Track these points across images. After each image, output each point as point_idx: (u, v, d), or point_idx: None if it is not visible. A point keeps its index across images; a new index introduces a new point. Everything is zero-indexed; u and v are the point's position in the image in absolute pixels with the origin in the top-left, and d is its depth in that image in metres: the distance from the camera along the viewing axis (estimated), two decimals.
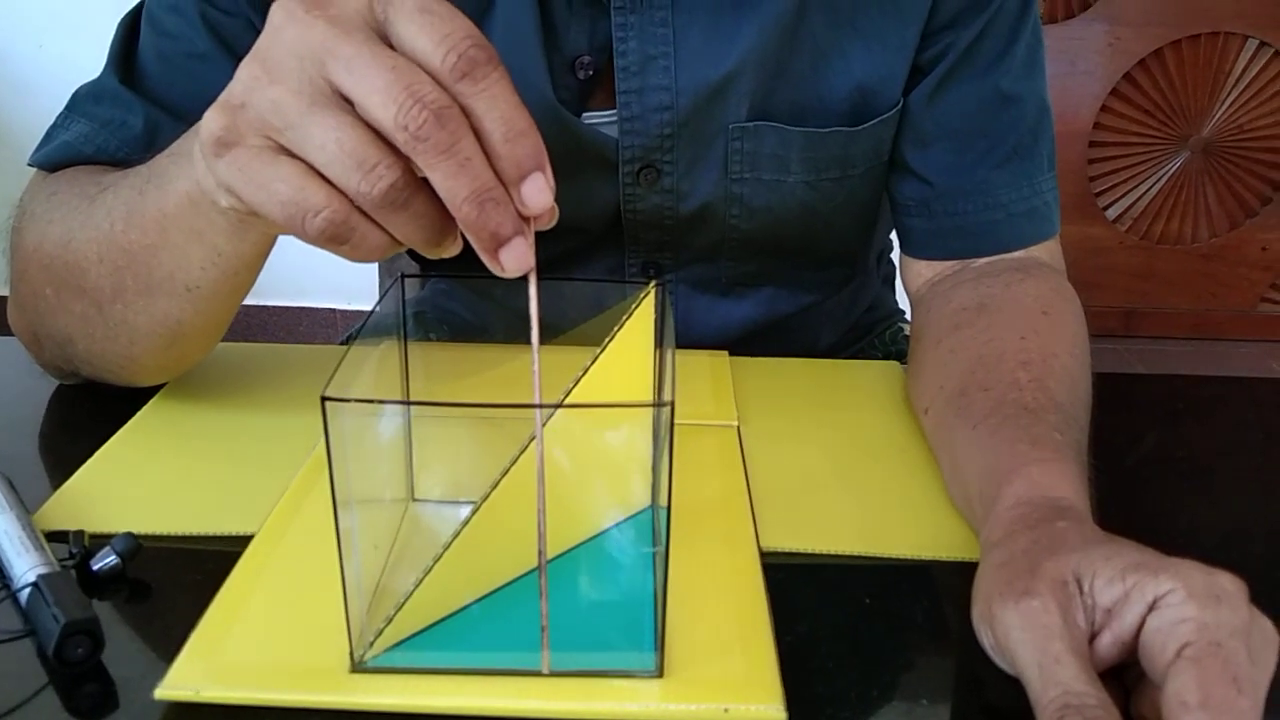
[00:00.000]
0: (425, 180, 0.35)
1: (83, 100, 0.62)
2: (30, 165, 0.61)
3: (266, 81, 0.35)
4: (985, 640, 0.38)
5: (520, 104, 0.35)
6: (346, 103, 0.35)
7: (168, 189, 0.47)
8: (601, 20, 0.61)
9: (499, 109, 0.34)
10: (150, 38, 0.61)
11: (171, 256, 0.48)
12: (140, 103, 0.60)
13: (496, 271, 0.35)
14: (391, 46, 0.35)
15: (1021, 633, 0.35)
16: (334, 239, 0.36)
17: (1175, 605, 0.33)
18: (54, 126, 0.62)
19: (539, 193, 0.35)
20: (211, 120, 0.37)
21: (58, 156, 0.60)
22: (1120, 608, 0.35)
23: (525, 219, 0.35)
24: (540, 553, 0.35)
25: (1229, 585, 0.34)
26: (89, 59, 0.65)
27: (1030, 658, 0.35)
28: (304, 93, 0.35)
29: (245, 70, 0.36)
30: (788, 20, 0.61)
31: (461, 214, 0.34)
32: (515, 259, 0.35)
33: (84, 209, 0.53)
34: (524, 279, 0.35)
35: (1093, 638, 0.35)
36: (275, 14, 0.36)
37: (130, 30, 0.62)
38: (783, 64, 0.62)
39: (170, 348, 0.53)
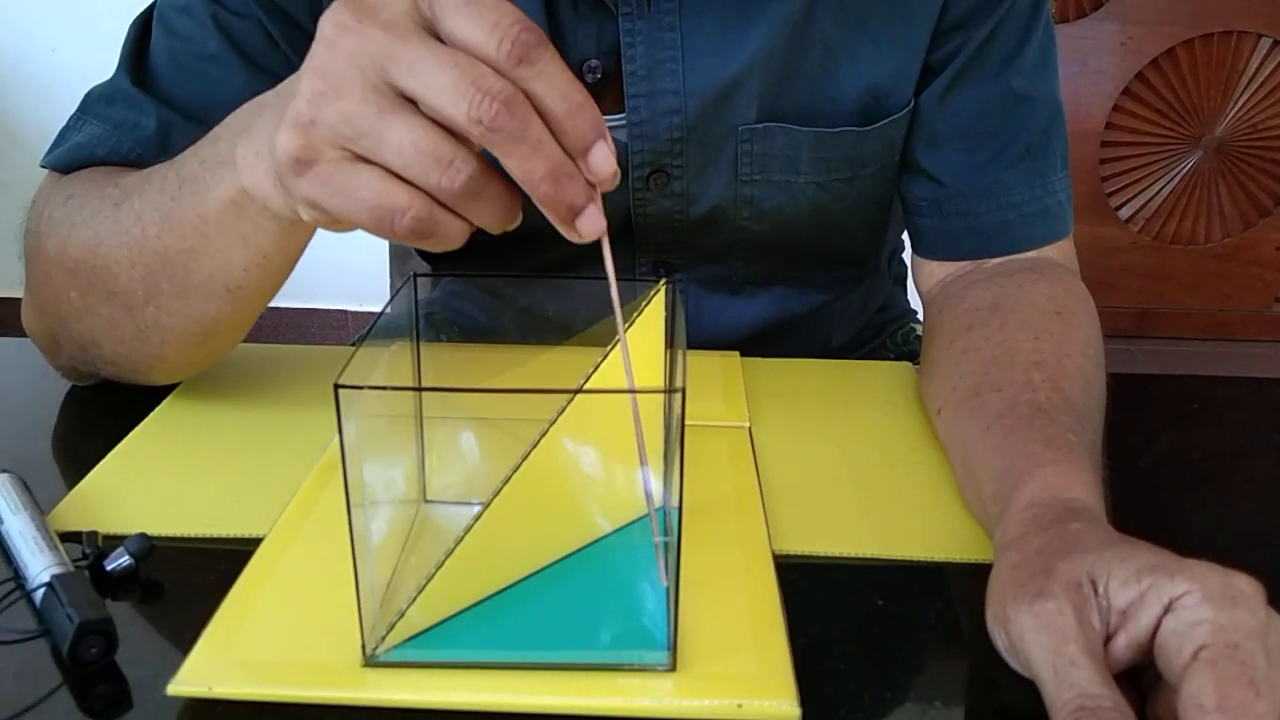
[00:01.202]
0: (490, 163, 0.36)
1: (95, 102, 0.62)
2: (43, 167, 0.62)
3: (333, 96, 0.36)
4: (999, 642, 0.38)
5: (574, 79, 0.36)
6: (411, 103, 0.36)
7: (207, 196, 0.47)
8: (608, 24, 0.61)
9: (558, 87, 0.35)
10: (162, 39, 0.61)
11: (212, 260, 0.48)
12: (153, 104, 0.60)
13: (572, 238, 0.37)
14: (442, 42, 0.35)
15: (1036, 635, 0.35)
16: (420, 235, 0.37)
17: (1191, 607, 0.33)
18: (66, 128, 0.62)
19: (605, 161, 0.36)
20: (285, 141, 0.37)
21: (71, 158, 0.60)
22: (1136, 609, 0.35)
23: (592, 185, 0.36)
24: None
25: (1246, 587, 0.34)
26: (101, 62, 0.65)
27: (1045, 660, 0.34)
28: (371, 100, 0.36)
29: (307, 86, 0.37)
30: (796, 21, 0.61)
31: (540, 192, 0.35)
32: (591, 225, 0.36)
33: (109, 213, 0.53)
34: (527, 276, 0.36)
35: (1108, 640, 0.35)
36: (326, 27, 0.36)
37: (142, 32, 0.62)
38: (791, 65, 0.62)
39: (203, 345, 0.54)
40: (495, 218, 0.37)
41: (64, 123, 0.63)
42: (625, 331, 0.37)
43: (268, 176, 0.42)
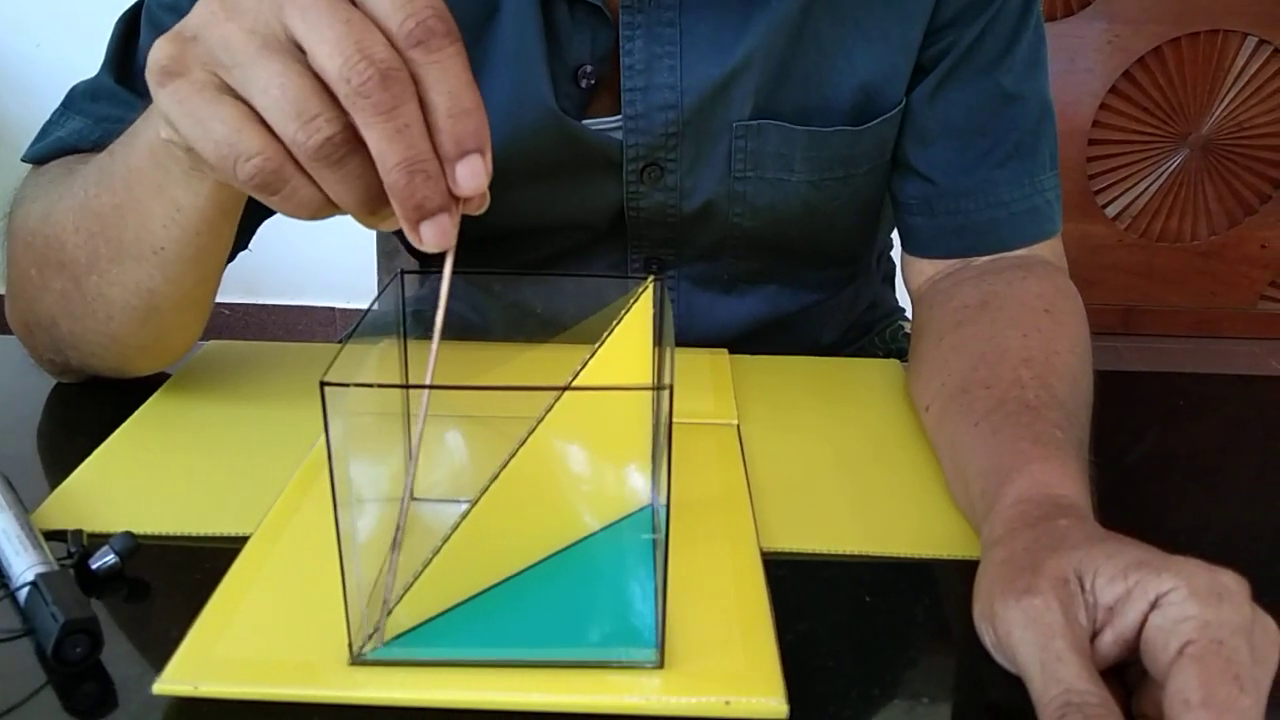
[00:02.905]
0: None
1: (79, 98, 0.62)
2: (24, 160, 0.61)
3: (223, 18, 0.35)
4: (986, 638, 0.38)
5: (472, 83, 0.34)
6: (300, 53, 0.34)
7: (135, 143, 0.46)
8: (603, 31, 0.61)
9: (449, 83, 0.34)
10: (151, 38, 0.61)
11: (136, 216, 0.48)
12: (139, 101, 0.60)
13: (415, 244, 0.35)
14: (355, 5, 0.34)
15: (1023, 630, 0.35)
16: (264, 187, 0.35)
17: (1178, 603, 0.33)
18: (49, 123, 0.62)
19: (474, 175, 0.34)
20: (160, 49, 0.36)
21: (52, 151, 0.60)
22: (1122, 606, 0.35)
23: (456, 198, 0.35)
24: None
25: (1231, 583, 0.34)
26: (86, 59, 0.65)
27: (1032, 655, 0.34)
28: (257, 33, 0.35)
29: (204, 5, 0.36)
30: (794, 19, 0.61)
31: (390, 179, 0.34)
32: (436, 234, 0.35)
33: (64, 181, 0.53)
34: (515, 272, 0.35)
35: (1094, 636, 0.35)
36: None
37: (128, 29, 0.62)
38: (787, 63, 0.62)
39: (146, 323, 0.53)
40: (354, 198, 0.35)
41: (47, 118, 0.62)
42: (614, 329, 0.37)
43: None
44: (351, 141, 0.34)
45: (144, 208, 0.47)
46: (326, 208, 0.36)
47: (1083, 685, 0.33)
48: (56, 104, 0.63)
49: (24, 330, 0.59)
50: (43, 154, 0.60)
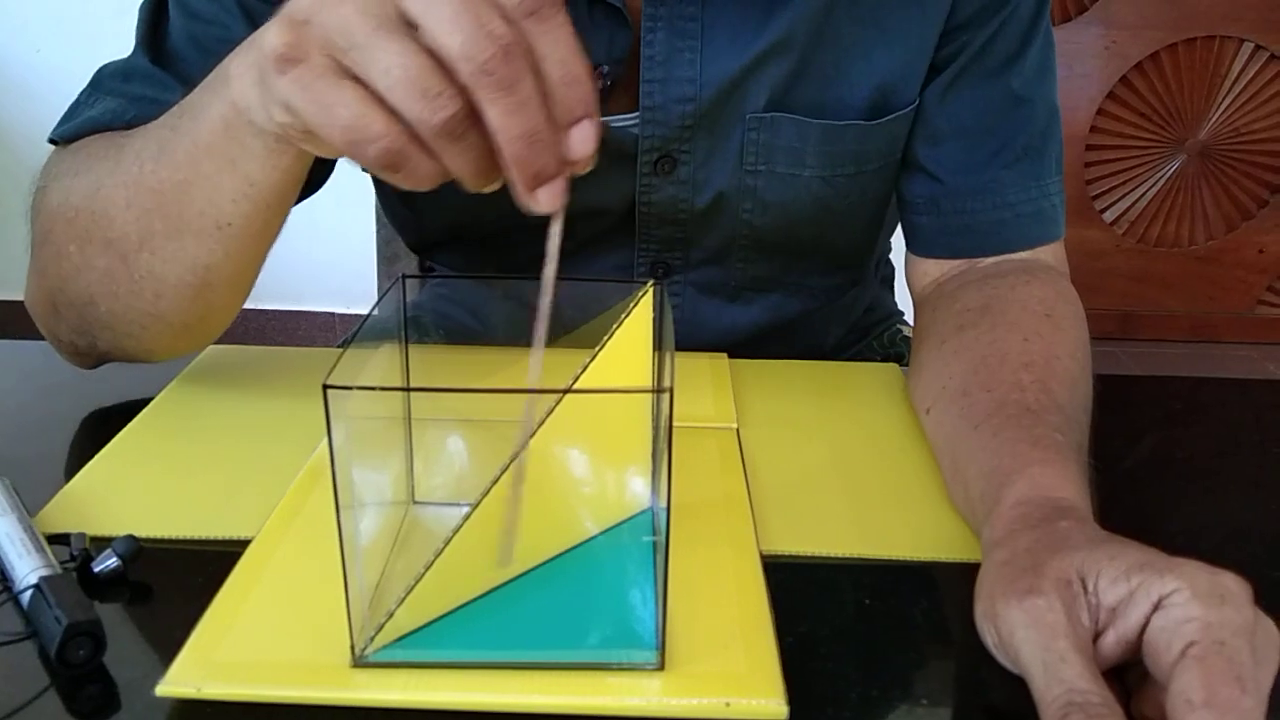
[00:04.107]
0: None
1: (110, 78, 0.61)
2: (51, 140, 0.61)
3: (335, 1, 0.35)
4: (989, 639, 0.38)
5: (580, 50, 0.35)
6: (413, 30, 0.34)
7: (201, 118, 0.46)
8: (620, 32, 0.61)
9: (560, 51, 0.34)
10: (181, 21, 0.60)
11: (203, 191, 0.47)
12: (175, 82, 0.59)
13: (529, 205, 0.36)
14: None
15: (1026, 631, 0.35)
16: (389, 166, 0.36)
17: (1180, 605, 0.34)
18: (77, 104, 0.61)
19: (585, 141, 0.35)
20: (275, 35, 0.36)
21: (84, 131, 0.59)
22: (1125, 607, 0.35)
23: (565, 162, 0.36)
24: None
25: (1233, 585, 0.34)
26: (87, 64, 0.65)
27: (1034, 656, 0.35)
28: (371, 14, 0.35)
29: None
30: (815, 17, 0.61)
31: (513, 150, 0.34)
32: (551, 197, 0.36)
33: (113, 156, 0.52)
34: (517, 276, 0.35)
35: (1096, 637, 0.35)
36: None
37: (155, 13, 0.61)
38: (805, 59, 0.63)
39: (196, 300, 0.53)
40: (470, 169, 0.36)
41: (51, 125, 0.62)
42: (614, 333, 0.37)
43: (254, 84, 0.41)
44: (471, 115, 0.35)
45: (213, 183, 0.47)
46: (441, 178, 0.37)
47: (1085, 685, 0.33)
48: (57, 109, 0.62)
49: (49, 310, 0.57)
50: (72, 133, 0.59)
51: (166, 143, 0.48)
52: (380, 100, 0.35)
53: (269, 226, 0.50)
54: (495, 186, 0.37)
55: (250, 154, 0.45)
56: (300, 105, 0.37)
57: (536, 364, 0.36)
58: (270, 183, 0.46)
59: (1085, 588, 0.36)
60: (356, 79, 0.35)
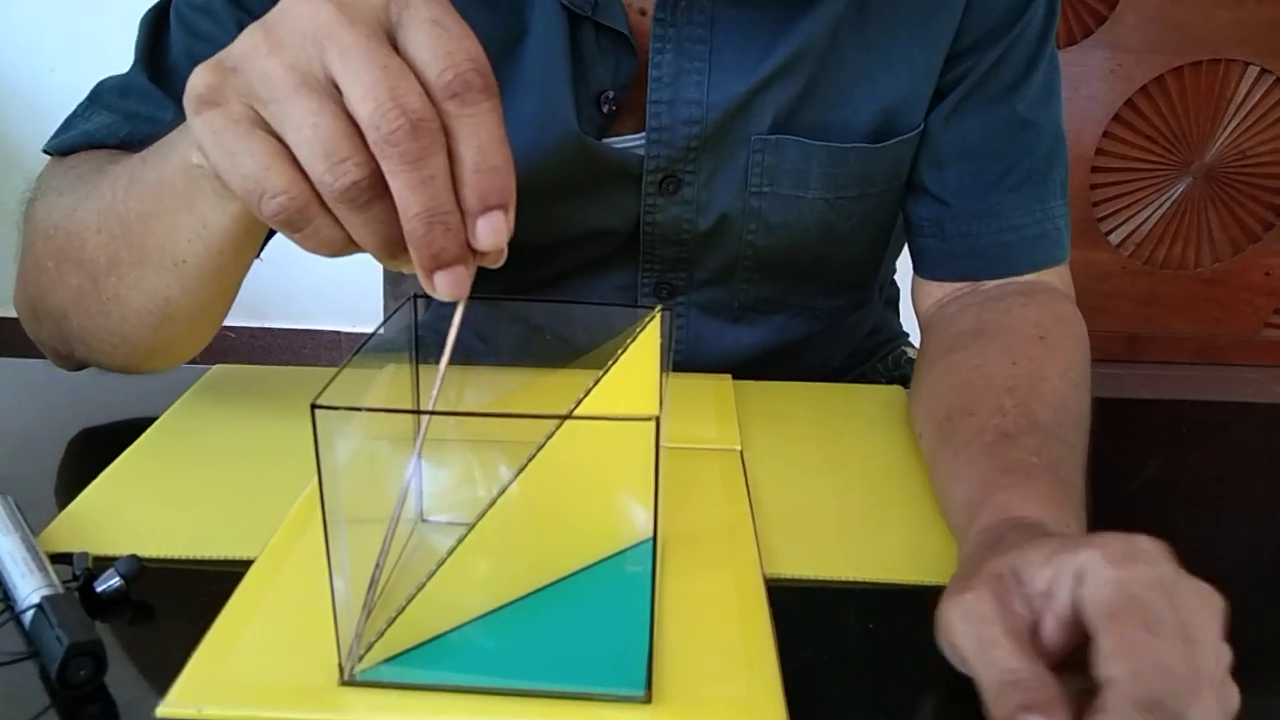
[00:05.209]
0: None
1: (107, 93, 0.62)
2: (46, 151, 0.61)
3: (265, 52, 0.35)
4: (947, 651, 0.39)
5: (503, 139, 0.35)
6: (337, 93, 0.35)
7: (169, 155, 0.47)
8: (626, 59, 0.62)
9: (479, 138, 0.34)
10: (181, 38, 0.61)
11: (163, 226, 0.48)
12: (170, 101, 0.60)
13: (429, 291, 0.35)
14: (398, 50, 0.35)
15: (963, 625, 0.36)
16: (287, 224, 0.36)
17: (1095, 570, 0.35)
18: (73, 116, 0.62)
19: (494, 232, 0.35)
20: (199, 76, 0.37)
21: (77, 144, 0.60)
22: (1053, 588, 0.36)
23: (474, 251, 0.35)
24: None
25: (1146, 545, 0.35)
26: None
27: (971, 646, 0.36)
28: (296, 70, 0.35)
29: (247, 37, 0.36)
30: (822, 42, 0.62)
31: (409, 227, 0.34)
32: (450, 285, 0.35)
33: (93, 180, 0.53)
34: (525, 299, 0.35)
35: (1037, 624, 0.36)
36: None
37: (154, 28, 0.62)
38: (811, 83, 0.63)
39: (159, 329, 0.53)
40: (376, 241, 0.36)
41: (71, 111, 0.62)
42: (619, 358, 0.37)
43: None
44: (378, 186, 0.34)
45: (171, 220, 0.47)
46: (349, 247, 0.37)
47: (1017, 664, 0.34)
48: None
49: (31, 317, 0.58)
50: (66, 146, 0.60)
51: (138, 174, 0.49)
52: (290, 157, 0.35)
53: (224, 270, 0.50)
54: (408, 269, 0.37)
55: (204, 196, 0.45)
56: (208, 147, 0.37)
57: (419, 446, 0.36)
58: (222, 227, 0.46)
59: (1019, 580, 0.37)
60: (271, 132, 0.35)
